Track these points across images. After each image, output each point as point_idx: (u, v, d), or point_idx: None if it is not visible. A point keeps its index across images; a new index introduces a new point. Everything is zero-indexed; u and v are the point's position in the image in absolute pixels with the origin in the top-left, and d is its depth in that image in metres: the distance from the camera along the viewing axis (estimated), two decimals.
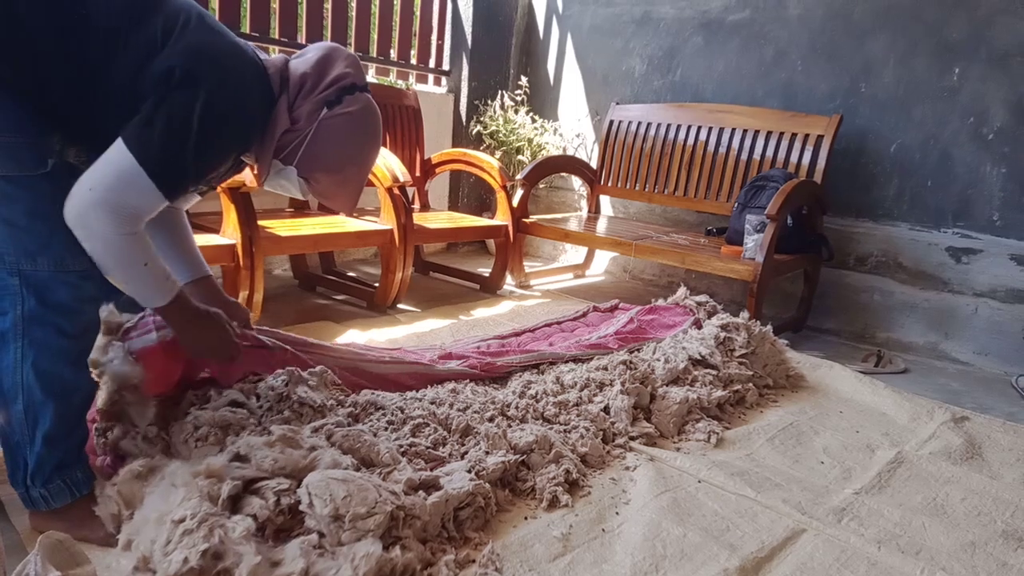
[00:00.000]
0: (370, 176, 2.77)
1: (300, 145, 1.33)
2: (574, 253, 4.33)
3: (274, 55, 1.37)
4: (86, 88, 1.18)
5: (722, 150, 3.45)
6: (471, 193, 4.47)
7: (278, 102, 1.31)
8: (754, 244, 2.79)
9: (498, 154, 4.09)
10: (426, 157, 3.68)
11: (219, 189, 2.32)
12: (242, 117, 1.26)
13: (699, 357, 2.22)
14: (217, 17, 3.10)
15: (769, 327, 2.50)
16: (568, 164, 3.98)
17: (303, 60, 1.35)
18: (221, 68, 1.21)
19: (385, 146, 3.33)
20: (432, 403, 1.81)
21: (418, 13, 4.11)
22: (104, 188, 1.13)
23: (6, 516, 1.34)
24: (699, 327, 2.51)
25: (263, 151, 1.34)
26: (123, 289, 1.22)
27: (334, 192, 1.41)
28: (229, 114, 1.23)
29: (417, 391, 1.86)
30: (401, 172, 2.86)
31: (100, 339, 1.28)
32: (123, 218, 1.14)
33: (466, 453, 1.56)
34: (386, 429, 1.59)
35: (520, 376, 2.05)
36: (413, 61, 4.14)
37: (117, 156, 1.14)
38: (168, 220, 1.44)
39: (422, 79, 4.26)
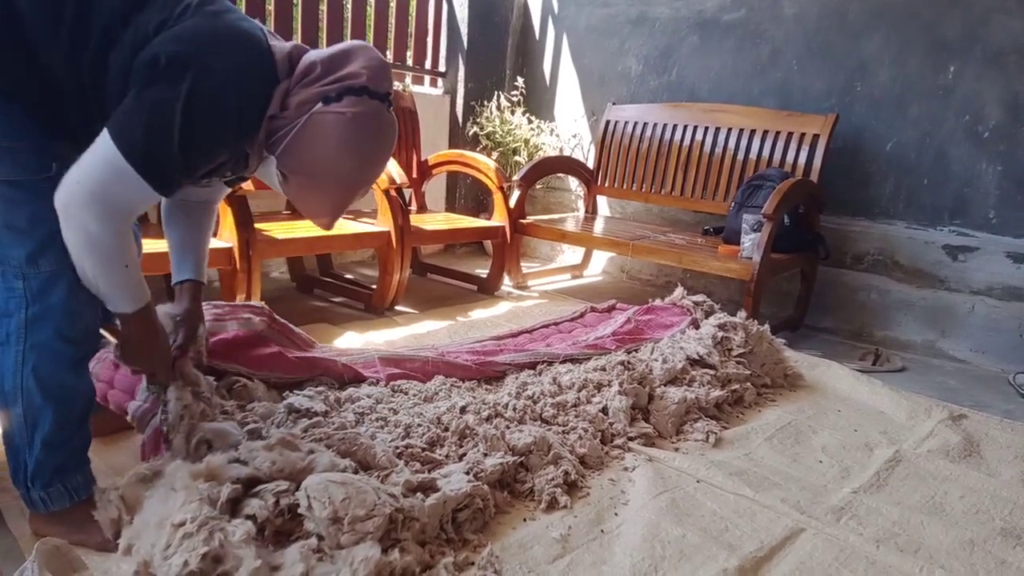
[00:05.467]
0: None
1: (285, 136, 1.20)
2: (571, 254, 4.33)
3: (287, 42, 1.27)
4: (88, 93, 1.17)
5: (718, 150, 3.46)
6: (468, 194, 4.47)
7: (277, 87, 1.20)
8: (751, 243, 2.79)
9: (495, 155, 4.09)
10: (423, 159, 3.67)
11: None
12: (234, 104, 1.16)
13: (697, 357, 2.22)
14: None
15: (766, 326, 2.50)
16: (565, 165, 3.98)
17: (321, 50, 1.23)
18: (209, 54, 1.13)
19: None
20: (425, 400, 1.82)
21: (414, 14, 4.11)
22: (92, 181, 1.09)
23: (3, 522, 1.34)
24: (696, 327, 2.51)
25: (254, 137, 1.24)
26: (93, 288, 1.17)
27: (305, 198, 1.27)
28: (218, 101, 1.14)
29: (407, 390, 1.87)
30: (398, 174, 2.85)
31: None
32: (111, 212, 1.11)
33: (464, 455, 1.56)
34: (382, 429, 1.60)
35: (516, 377, 2.05)
36: (409, 62, 4.14)
37: (103, 149, 1.10)
38: (195, 220, 1.47)
39: (418, 80, 4.26)
